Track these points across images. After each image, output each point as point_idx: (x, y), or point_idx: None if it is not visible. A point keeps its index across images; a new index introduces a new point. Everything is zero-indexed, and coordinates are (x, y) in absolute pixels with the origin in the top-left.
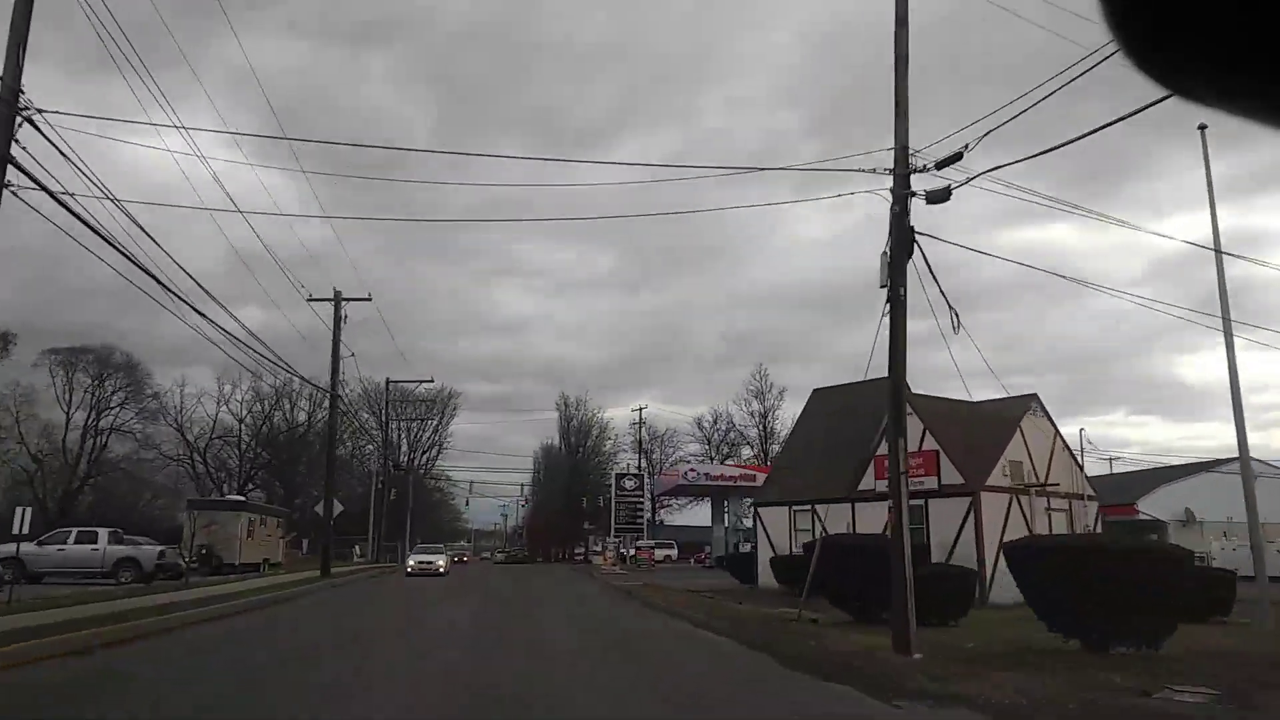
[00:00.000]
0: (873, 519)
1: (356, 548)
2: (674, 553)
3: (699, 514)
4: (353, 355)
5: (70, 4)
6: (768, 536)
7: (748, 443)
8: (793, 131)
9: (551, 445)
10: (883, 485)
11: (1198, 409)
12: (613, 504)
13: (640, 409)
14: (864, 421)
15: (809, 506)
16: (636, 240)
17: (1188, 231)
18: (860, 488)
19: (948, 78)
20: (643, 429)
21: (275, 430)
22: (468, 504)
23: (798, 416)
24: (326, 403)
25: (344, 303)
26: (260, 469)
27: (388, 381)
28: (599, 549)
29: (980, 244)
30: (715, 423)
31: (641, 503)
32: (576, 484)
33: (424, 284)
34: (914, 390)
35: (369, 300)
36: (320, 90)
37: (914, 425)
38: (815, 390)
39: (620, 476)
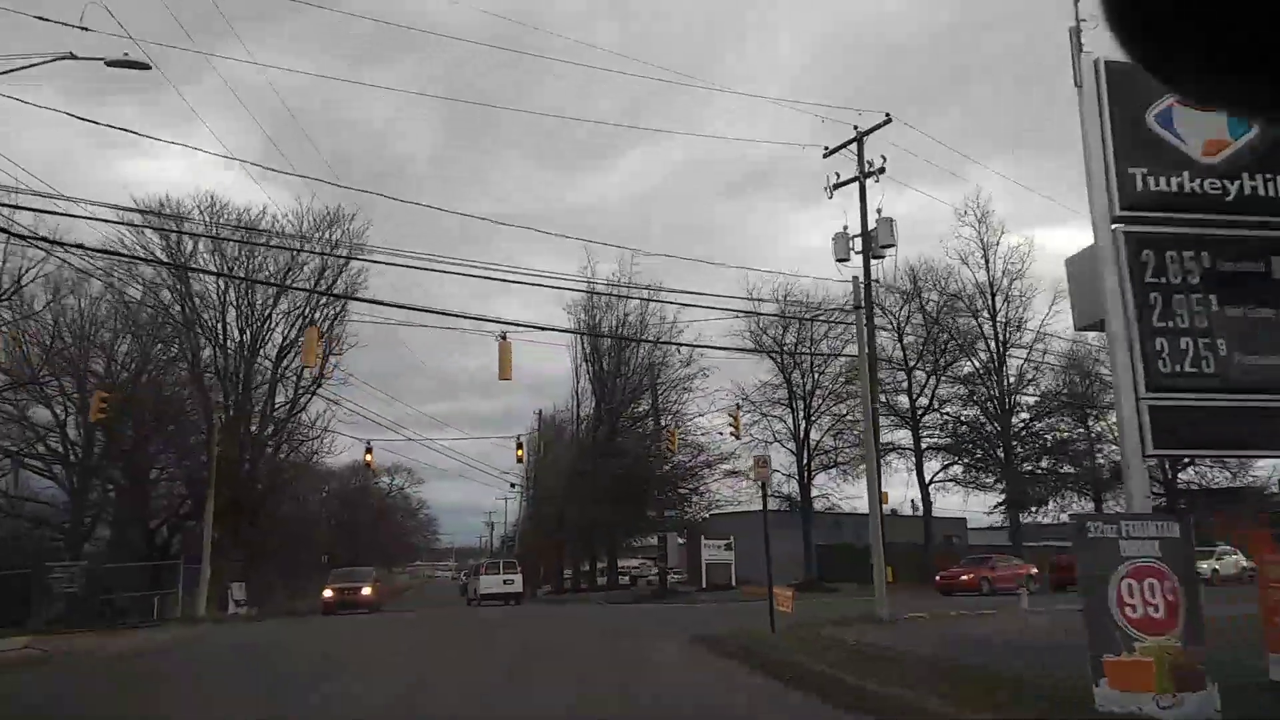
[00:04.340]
0: None
1: None
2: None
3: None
4: None
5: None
6: None
7: (965, 354)
8: (800, 138)
9: (554, 411)
10: None
11: None
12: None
13: (860, 136)
14: None
15: None
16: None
17: None
18: None
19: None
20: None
21: None
22: (368, 453)
23: None
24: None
25: None
26: None
27: None
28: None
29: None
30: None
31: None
32: (618, 443)
33: (415, 295)
34: None
35: None
36: (326, 103)
37: None
38: None
39: None
